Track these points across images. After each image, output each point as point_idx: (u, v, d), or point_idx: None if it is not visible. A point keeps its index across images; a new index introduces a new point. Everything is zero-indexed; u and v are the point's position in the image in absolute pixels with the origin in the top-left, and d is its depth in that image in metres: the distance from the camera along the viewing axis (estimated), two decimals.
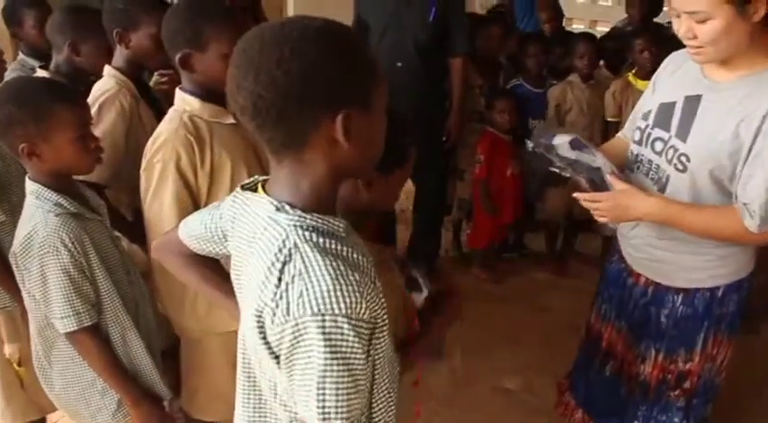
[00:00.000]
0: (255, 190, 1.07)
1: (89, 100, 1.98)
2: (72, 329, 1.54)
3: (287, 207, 0.97)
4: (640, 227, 1.78)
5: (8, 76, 2.33)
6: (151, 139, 1.68)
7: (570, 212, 3.64)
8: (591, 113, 3.59)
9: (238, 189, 1.10)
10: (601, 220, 1.72)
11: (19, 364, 1.97)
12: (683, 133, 1.62)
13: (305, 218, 0.96)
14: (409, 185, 3.54)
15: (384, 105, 1.00)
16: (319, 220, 0.97)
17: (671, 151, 1.65)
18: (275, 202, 0.98)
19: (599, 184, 1.68)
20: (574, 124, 3.54)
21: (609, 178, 1.66)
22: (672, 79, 1.73)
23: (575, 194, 1.72)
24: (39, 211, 1.53)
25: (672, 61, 1.78)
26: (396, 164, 1.26)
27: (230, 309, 1.31)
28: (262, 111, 0.92)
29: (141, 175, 1.68)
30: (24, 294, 1.60)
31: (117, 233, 1.90)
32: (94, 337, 1.58)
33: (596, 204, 1.69)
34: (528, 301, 3.61)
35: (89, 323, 1.56)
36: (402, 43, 3.23)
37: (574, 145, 1.69)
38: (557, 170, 1.70)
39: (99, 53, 2.15)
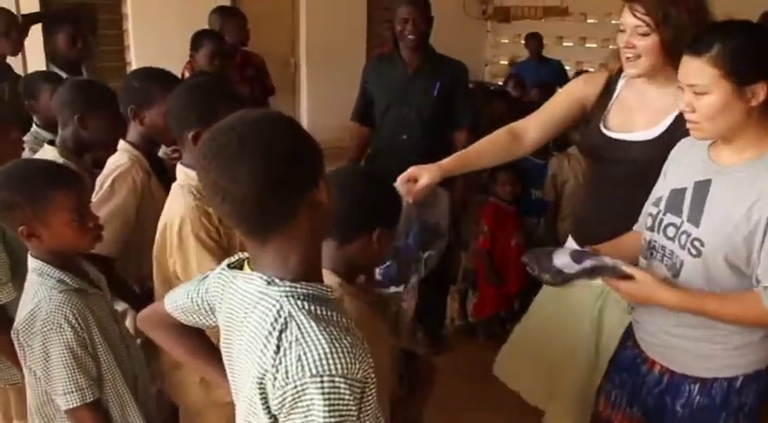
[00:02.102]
0: (241, 267, 1.14)
1: (103, 174, 2.05)
2: (74, 406, 1.54)
3: (276, 280, 1.04)
4: (656, 314, 1.73)
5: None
6: (169, 223, 1.73)
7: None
8: None
9: (224, 266, 1.18)
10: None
11: None
12: (696, 218, 1.60)
13: (295, 287, 1.04)
14: None
15: None
16: (310, 288, 1.05)
17: (684, 236, 1.62)
18: (265, 277, 1.05)
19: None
20: (571, 196, 3.55)
21: (627, 270, 1.62)
22: (681, 165, 1.72)
23: (600, 280, 1.69)
24: (42, 287, 1.55)
25: (680, 148, 1.76)
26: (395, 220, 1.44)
27: (217, 381, 1.36)
28: (259, 202, 1.01)
29: (175, 254, 1.72)
30: (25, 371, 1.60)
31: (124, 304, 1.92)
32: (95, 413, 1.58)
33: (619, 288, 1.65)
34: None
35: (91, 399, 1.56)
36: (406, 117, 3.29)
37: (576, 257, 1.66)
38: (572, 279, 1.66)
39: (107, 127, 2.18)
